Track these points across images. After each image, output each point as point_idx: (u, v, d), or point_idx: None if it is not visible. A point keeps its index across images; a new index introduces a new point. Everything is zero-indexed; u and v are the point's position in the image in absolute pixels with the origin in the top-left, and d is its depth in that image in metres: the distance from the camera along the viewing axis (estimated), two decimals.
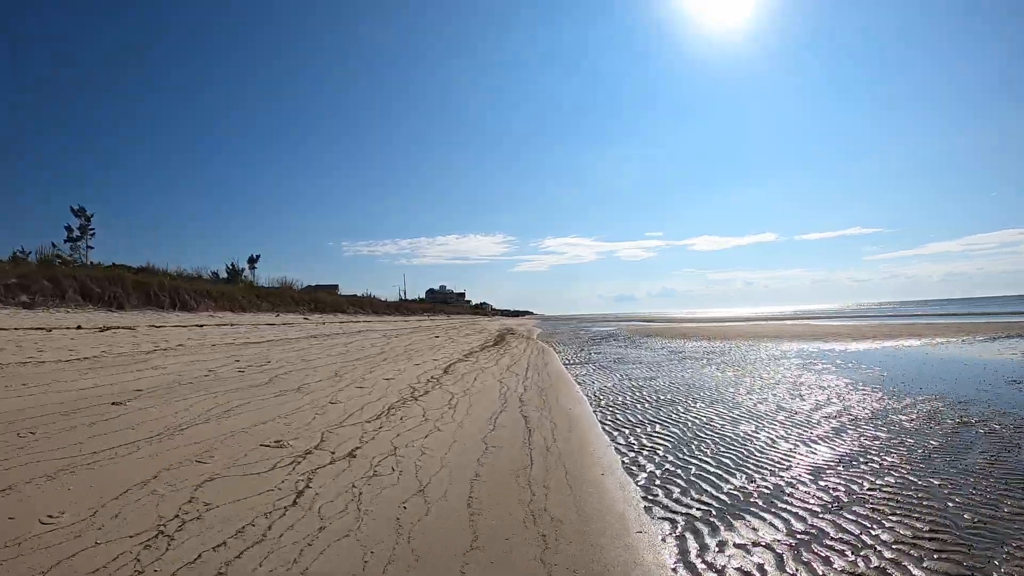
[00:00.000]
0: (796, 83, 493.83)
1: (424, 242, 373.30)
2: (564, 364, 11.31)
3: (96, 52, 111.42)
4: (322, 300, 30.00)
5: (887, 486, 3.22)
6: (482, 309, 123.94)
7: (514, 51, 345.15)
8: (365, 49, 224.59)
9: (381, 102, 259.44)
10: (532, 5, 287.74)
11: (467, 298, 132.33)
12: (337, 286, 58.40)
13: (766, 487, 3.27)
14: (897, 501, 2.99)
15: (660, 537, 2.58)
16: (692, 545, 2.49)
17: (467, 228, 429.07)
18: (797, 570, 2.25)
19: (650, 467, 3.75)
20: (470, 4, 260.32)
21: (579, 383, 8.14)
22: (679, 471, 3.65)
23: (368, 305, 36.19)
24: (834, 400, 6.03)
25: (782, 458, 3.87)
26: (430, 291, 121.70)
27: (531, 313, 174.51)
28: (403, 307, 49.76)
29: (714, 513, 2.89)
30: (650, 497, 3.15)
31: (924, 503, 2.95)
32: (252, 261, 39.50)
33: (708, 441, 4.42)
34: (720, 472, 3.61)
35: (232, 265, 36.47)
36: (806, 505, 2.97)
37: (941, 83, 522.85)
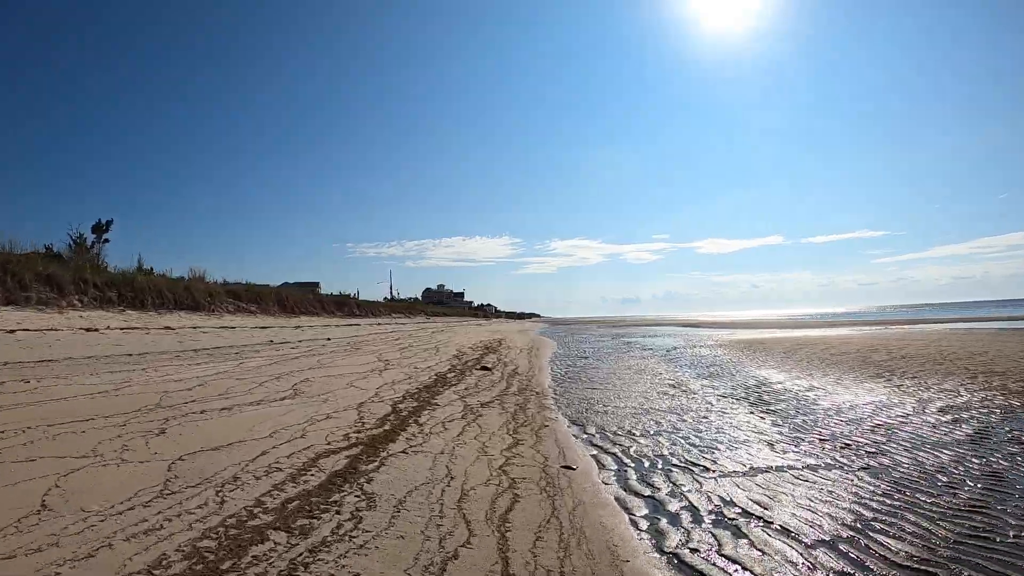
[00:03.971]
0: (804, 84, 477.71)
1: (429, 244, 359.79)
2: None
3: (90, 48, 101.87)
4: (143, 287, 16.19)
5: None
6: (483, 310, 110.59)
7: (521, 53, 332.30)
8: (368, 53, 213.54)
9: (385, 105, 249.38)
10: (540, 7, 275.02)
11: (467, 298, 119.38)
12: (318, 284, 48.76)
13: None
14: None
15: None
16: None
17: (473, 231, 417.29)
18: None
19: None
20: (478, 6, 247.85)
21: None
22: None
23: (272, 299, 22.12)
24: None
25: None
26: (427, 291, 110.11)
27: (538, 315, 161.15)
28: (361, 307, 35.78)
29: None
30: None
31: None
32: (99, 229, 25.41)
33: None
34: None
35: (78, 235, 22.90)
36: None
37: (950, 84, 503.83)
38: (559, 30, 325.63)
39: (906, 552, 2.32)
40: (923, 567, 2.18)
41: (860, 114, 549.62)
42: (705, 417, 5.29)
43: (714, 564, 2.20)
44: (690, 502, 2.91)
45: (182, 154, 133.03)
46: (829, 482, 3.22)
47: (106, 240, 25.56)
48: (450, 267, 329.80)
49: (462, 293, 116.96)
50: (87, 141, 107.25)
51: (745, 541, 2.40)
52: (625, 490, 3.12)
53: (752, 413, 5.46)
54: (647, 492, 3.09)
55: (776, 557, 2.25)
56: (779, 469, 3.50)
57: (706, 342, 18.96)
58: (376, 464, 3.15)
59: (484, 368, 8.52)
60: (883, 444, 4.11)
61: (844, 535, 2.47)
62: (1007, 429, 4.46)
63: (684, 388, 7.29)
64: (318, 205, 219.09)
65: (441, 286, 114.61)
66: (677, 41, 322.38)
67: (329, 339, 12.41)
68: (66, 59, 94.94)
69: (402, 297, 76.00)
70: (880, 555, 2.30)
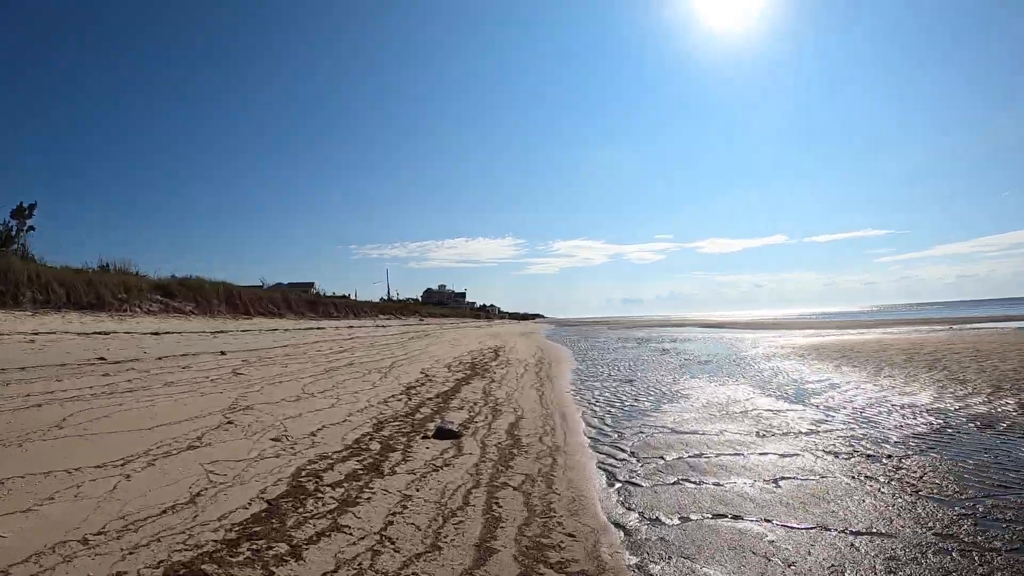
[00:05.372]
0: (804, 84, 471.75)
1: (432, 245, 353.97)
2: None
3: (88, 48, 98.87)
4: (19, 278, 11.88)
5: None
6: (486, 311, 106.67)
7: (521, 53, 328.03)
8: (368, 53, 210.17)
9: (385, 105, 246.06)
10: (540, 7, 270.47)
11: (469, 299, 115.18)
12: (313, 284, 46.95)
13: None
14: None
15: None
16: None
17: (475, 232, 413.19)
18: None
19: None
20: (478, 6, 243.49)
21: None
22: None
23: (219, 296, 17.66)
24: None
25: None
26: (427, 291, 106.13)
27: (542, 316, 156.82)
28: (342, 307, 31.45)
29: None
30: None
31: None
32: (21, 213, 21.07)
33: None
34: None
35: (1, 223, 18.84)
36: None
37: (952, 82, 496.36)
38: (559, 30, 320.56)
39: None
40: None
41: (860, 114, 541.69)
42: None
43: None
44: None
45: (182, 154, 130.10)
46: None
47: (30, 228, 21.22)
48: (453, 268, 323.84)
49: (463, 293, 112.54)
50: (87, 141, 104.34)
51: None
52: None
53: None
54: None
55: None
56: None
57: (767, 349, 14.37)
58: None
59: (444, 433, 3.95)
60: None
61: None
62: None
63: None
64: (318, 205, 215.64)
65: (442, 286, 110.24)
66: (677, 41, 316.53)
67: (223, 353, 7.89)
68: (66, 59, 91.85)
69: (402, 297, 71.73)
70: None
